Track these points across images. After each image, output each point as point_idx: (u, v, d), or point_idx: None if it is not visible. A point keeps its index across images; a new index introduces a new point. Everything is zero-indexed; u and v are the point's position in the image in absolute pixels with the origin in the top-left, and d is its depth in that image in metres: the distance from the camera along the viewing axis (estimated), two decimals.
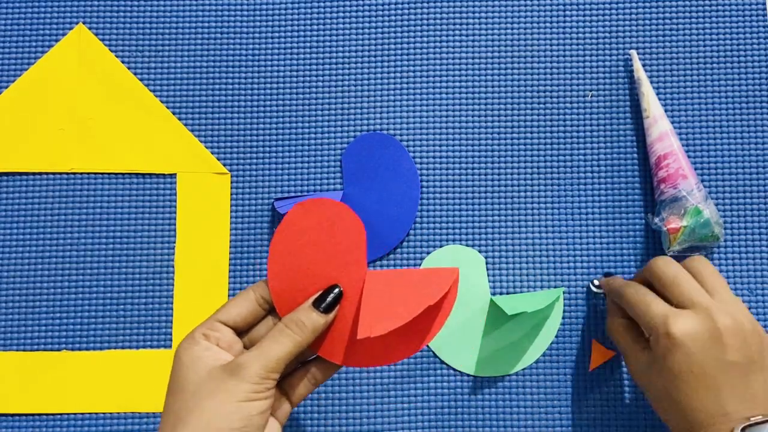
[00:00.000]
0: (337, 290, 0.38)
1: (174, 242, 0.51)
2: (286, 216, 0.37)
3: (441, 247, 0.51)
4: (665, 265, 0.42)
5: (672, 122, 0.52)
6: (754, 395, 0.38)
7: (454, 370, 0.49)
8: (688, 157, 0.51)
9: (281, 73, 0.52)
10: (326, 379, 0.39)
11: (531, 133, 0.52)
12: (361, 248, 0.38)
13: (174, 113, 0.52)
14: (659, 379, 0.40)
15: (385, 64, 0.52)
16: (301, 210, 0.37)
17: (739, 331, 0.38)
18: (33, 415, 0.49)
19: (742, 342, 0.38)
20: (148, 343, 0.50)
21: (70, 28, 0.52)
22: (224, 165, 0.51)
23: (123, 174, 0.51)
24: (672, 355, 0.39)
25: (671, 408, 0.39)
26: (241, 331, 0.38)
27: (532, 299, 0.48)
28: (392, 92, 0.52)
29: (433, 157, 0.52)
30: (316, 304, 0.37)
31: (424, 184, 0.51)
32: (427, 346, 0.49)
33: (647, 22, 0.53)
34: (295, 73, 0.52)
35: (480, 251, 0.51)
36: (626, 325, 0.44)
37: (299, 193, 0.51)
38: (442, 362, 0.49)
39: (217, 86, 0.52)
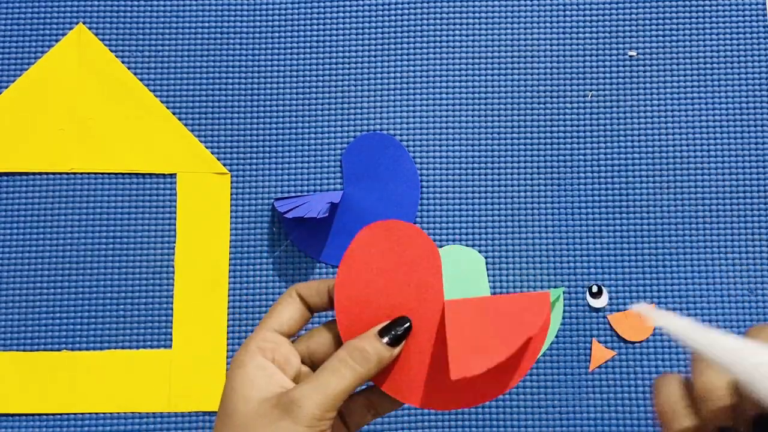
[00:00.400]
0: (407, 324, 0.33)
1: (174, 242, 0.51)
2: (353, 241, 0.33)
3: (441, 247, 0.51)
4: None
5: (672, 122, 0.52)
6: None
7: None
8: (688, 157, 0.51)
9: (281, 73, 0.52)
10: (387, 413, 0.35)
11: (531, 133, 0.52)
12: (437, 275, 0.34)
13: (174, 113, 0.52)
14: None
15: (385, 64, 0.52)
16: (369, 234, 0.34)
17: None
18: (33, 415, 0.49)
19: None
20: (148, 343, 0.50)
21: (70, 28, 0.52)
22: (224, 165, 0.51)
23: (123, 174, 0.51)
24: None
25: None
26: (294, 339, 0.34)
27: None
28: (392, 92, 0.52)
29: (433, 157, 0.52)
30: (383, 333, 0.33)
31: (424, 184, 0.51)
32: None
33: (647, 22, 0.53)
34: (295, 73, 0.52)
35: (480, 251, 0.51)
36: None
37: (299, 193, 0.51)
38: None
39: (217, 86, 0.52)
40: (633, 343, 0.50)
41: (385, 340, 0.32)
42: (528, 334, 0.32)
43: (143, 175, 0.51)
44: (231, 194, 0.51)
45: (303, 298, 0.34)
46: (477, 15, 0.53)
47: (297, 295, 0.34)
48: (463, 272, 0.50)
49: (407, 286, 0.34)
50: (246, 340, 0.33)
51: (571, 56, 0.53)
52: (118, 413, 0.49)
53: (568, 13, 0.53)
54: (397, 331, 0.33)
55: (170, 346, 0.50)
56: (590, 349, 0.50)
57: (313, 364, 0.34)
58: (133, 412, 0.49)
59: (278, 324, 0.33)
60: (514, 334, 0.32)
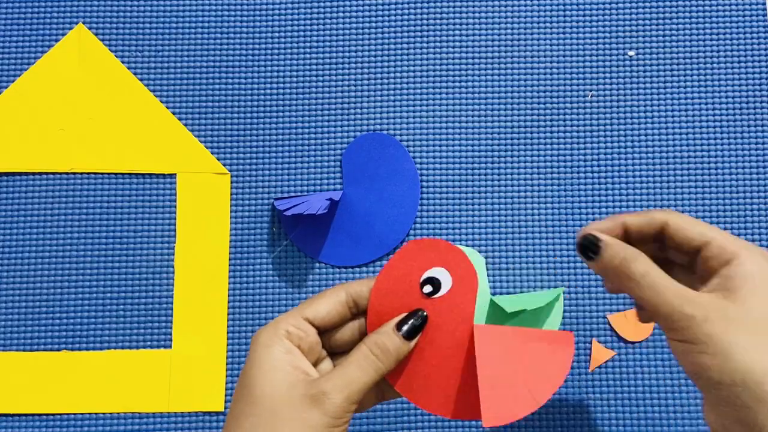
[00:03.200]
0: (422, 313, 0.35)
1: (174, 242, 0.51)
2: (399, 251, 0.35)
3: None
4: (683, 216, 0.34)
5: (672, 122, 0.52)
6: None
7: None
8: (688, 157, 0.51)
9: (281, 73, 0.52)
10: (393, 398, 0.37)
11: (531, 133, 0.52)
12: (471, 297, 0.36)
13: (174, 113, 0.52)
14: (759, 332, 0.30)
15: (385, 64, 0.52)
16: (414, 248, 0.35)
17: None
18: (33, 415, 0.49)
19: None
20: (148, 343, 0.50)
21: (70, 28, 0.52)
22: (224, 165, 0.51)
23: (123, 174, 0.51)
24: None
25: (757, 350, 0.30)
26: (322, 331, 0.35)
27: (532, 299, 0.48)
28: (392, 92, 0.52)
29: (433, 157, 0.52)
30: (400, 326, 0.34)
31: (424, 184, 0.51)
32: None
33: (647, 22, 0.53)
34: (295, 73, 0.52)
35: (480, 251, 0.51)
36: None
37: (299, 193, 0.51)
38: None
39: (217, 86, 0.52)
40: (633, 343, 0.50)
41: (403, 330, 0.34)
42: (555, 386, 0.34)
43: (143, 175, 0.51)
44: (231, 194, 0.51)
45: (352, 298, 0.35)
46: (477, 15, 0.53)
47: (345, 294, 0.35)
48: None
49: (441, 302, 0.36)
50: (275, 320, 0.33)
51: (571, 56, 0.53)
52: (118, 413, 0.49)
53: (568, 13, 0.53)
54: (414, 323, 0.34)
55: (170, 346, 0.50)
56: (590, 349, 0.50)
57: (331, 348, 0.35)
58: (133, 412, 0.49)
59: (313, 314, 0.34)
60: (543, 384, 0.34)
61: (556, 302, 0.50)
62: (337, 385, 0.32)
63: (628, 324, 0.50)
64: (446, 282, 0.36)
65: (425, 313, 0.35)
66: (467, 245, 0.51)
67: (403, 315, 0.35)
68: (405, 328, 0.34)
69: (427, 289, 0.36)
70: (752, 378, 0.29)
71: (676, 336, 0.31)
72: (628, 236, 0.35)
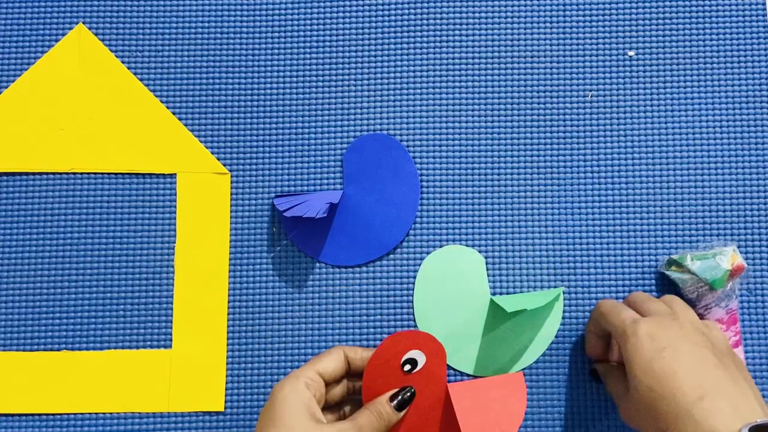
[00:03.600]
0: (410, 389, 0.45)
1: (174, 242, 0.51)
2: (383, 343, 0.45)
3: (441, 247, 0.51)
4: (640, 293, 0.47)
5: (672, 122, 0.52)
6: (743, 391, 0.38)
7: (454, 369, 0.49)
8: (687, 156, 0.51)
9: (281, 73, 0.52)
10: None
11: (531, 133, 0.52)
12: (442, 367, 0.46)
13: (174, 113, 0.52)
14: (644, 388, 0.39)
15: (385, 64, 0.52)
16: (393, 340, 0.45)
17: (700, 334, 0.41)
18: (33, 415, 0.49)
19: (711, 342, 0.41)
20: (148, 343, 0.50)
21: (70, 28, 0.52)
22: (224, 165, 0.51)
23: (123, 174, 0.51)
24: (642, 346, 0.40)
25: (665, 415, 0.38)
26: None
27: (532, 299, 0.48)
28: (392, 92, 0.52)
29: (434, 158, 0.52)
30: (392, 398, 0.44)
31: (424, 184, 0.51)
32: None
33: (647, 22, 0.53)
34: (295, 73, 0.52)
35: (480, 251, 0.51)
36: (620, 372, 0.44)
37: (299, 192, 0.51)
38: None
39: (217, 86, 0.52)
40: None
41: (395, 403, 0.43)
42: (518, 422, 0.46)
43: (143, 175, 0.51)
44: (231, 194, 0.51)
45: (347, 360, 0.45)
46: (477, 15, 0.53)
47: (343, 355, 0.44)
48: (463, 272, 0.50)
49: (418, 375, 0.45)
50: (294, 374, 0.42)
51: (571, 56, 0.53)
52: (118, 413, 0.49)
53: (568, 13, 0.53)
54: (404, 396, 0.44)
55: (170, 346, 0.50)
56: None
57: (326, 402, 0.45)
58: (133, 412, 0.49)
59: (322, 369, 0.43)
60: (509, 422, 0.46)
61: (556, 302, 0.50)
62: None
63: None
64: (421, 359, 0.45)
65: (413, 389, 0.45)
66: (467, 245, 0.51)
67: (395, 390, 0.44)
68: (396, 401, 0.44)
69: (407, 367, 0.45)
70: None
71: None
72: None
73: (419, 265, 0.51)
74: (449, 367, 0.49)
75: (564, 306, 0.50)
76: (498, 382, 0.47)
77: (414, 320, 0.50)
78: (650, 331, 0.40)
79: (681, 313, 0.42)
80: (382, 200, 0.51)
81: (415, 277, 0.50)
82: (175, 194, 0.51)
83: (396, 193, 0.51)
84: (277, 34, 0.53)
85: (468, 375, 0.49)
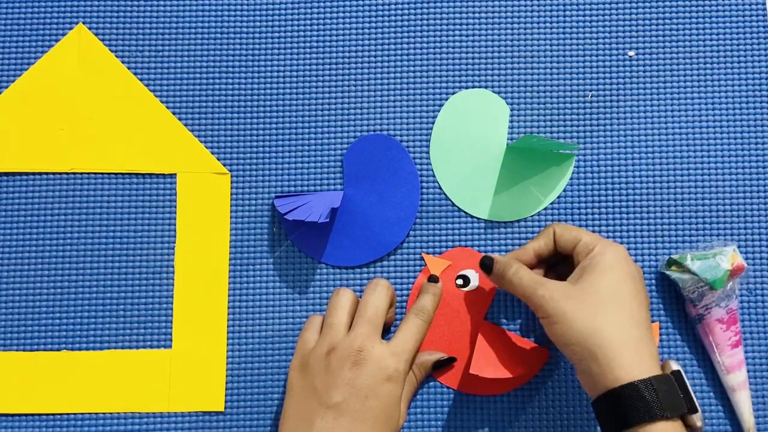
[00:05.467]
0: (436, 277, 0.50)
1: (174, 242, 0.51)
2: (445, 254, 0.50)
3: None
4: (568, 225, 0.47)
5: (672, 122, 0.52)
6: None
7: (467, 213, 0.51)
8: (687, 156, 0.51)
9: (281, 73, 0.52)
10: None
11: (531, 133, 0.52)
12: (488, 301, 0.50)
13: (174, 113, 0.52)
14: (605, 287, 0.41)
15: (385, 64, 0.52)
16: (460, 252, 0.50)
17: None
18: (33, 415, 0.49)
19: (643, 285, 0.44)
20: (148, 343, 0.50)
21: (70, 28, 0.52)
22: (224, 165, 0.51)
23: (123, 174, 0.51)
24: (618, 263, 0.42)
25: (612, 320, 0.40)
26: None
27: (547, 145, 0.50)
28: (392, 93, 0.52)
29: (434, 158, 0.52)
30: (431, 279, 0.49)
31: (424, 185, 0.51)
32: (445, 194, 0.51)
33: (647, 22, 0.53)
34: (295, 73, 0.52)
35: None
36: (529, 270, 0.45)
37: (299, 192, 0.51)
38: (456, 207, 0.51)
39: (217, 86, 0.52)
40: None
41: (431, 277, 0.49)
42: (528, 374, 0.49)
43: (143, 175, 0.51)
44: (231, 194, 0.51)
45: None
46: (477, 15, 0.53)
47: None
48: (485, 117, 0.51)
49: (466, 294, 0.50)
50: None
51: (571, 56, 0.53)
52: (118, 413, 0.49)
53: (568, 13, 0.53)
54: (433, 277, 0.49)
55: (170, 346, 0.50)
56: None
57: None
58: (133, 412, 0.49)
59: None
60: (518, 367, 0.46)
61: (568, 164, 0.51)
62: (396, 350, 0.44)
63: None
64: (474, 282, 0.50)
65: (436, 276, 0.50)
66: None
67: (444, 357, 0.48)
68: (436, 359, 0.48)
69: (459, 281, 0.50)
70: (583, 337, 0.40)
71: (539, 313, 0.43)
72: (542, 258, 0.47)
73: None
74: (467, 214, 0.51)
75: None
76: (525, 344, 0.48)
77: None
78: (622, 254, 0.43)
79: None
80: (382, 201, 0.51)
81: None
82: (175, 194, 0.51)
83: (396, 193, 0.51)
84: (277, 34, 0.53)
85: (481, 220, 0.49)
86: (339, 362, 0.42)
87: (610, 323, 0.40)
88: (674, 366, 0.44)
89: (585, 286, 0.42)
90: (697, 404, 0.41)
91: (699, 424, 0.41)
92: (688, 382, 0.42)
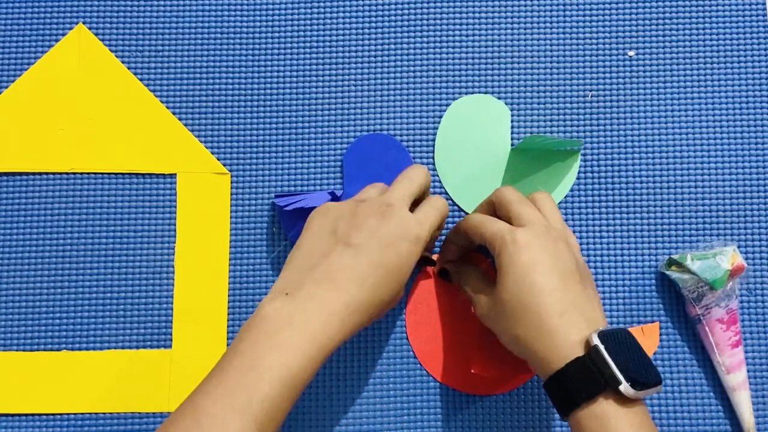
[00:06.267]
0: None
1: (174, 242, 0.51)
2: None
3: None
4: (510, 191, 0.45)
5: (672, 122, 0.52)
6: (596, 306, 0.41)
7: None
8: (687, 156, 0.51)
9: (281, 73, 0.52)
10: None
11: (531, 133, 0.52)
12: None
13: (174, 113, 0.52)
14: (512, 296, 0.41)
15: (385, 64, 0.52)
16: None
17: (568, 249, 0.42)
18: (33, 415, 0.49)
19: (574, 256, 0.43)
20: (148, 343, 0.50)
21: (70, 28, 0.52)
22: (224, 165, 0.51)
23: (123, 174, 0.51)
24: (518, 257, 0.41)
25: (528, 326, 0.40)
26: None
27: (551, 144, 0.50)
28: (392, 92, 0.52)
29: (433, 158, 0.52)
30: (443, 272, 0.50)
31: None
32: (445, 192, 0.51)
33: (647, 22, 0.53)
34: (295, 73, 0.52)
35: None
36: (477, 272, 0.47)
37: (300, 191, 0.51)
38: (462, 210, 0.51)
39: (217, 86, 0.52)
40: None
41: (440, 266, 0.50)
42: (525, 375, 0.49)
43: (143, 175, 0.51)
44: (231, 194, 0.51)
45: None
46: (477, 15, 0.53)
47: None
48: (488, 121, 0.51)
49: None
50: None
51: (571, 56, 0.53)
52: (118, 413, 0.49)
53: (568, 13, 0.53)
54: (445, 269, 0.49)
55: (170, 346, 0.50)
56: None
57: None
58: (133, 412, 0.49)
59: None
60: (518, 369, 0.47)
61: (573, 162, 0.51)
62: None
63: (643, 337, 0.50)
64: None
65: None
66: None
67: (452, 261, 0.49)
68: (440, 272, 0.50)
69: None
70: (512, 346, 0.42)
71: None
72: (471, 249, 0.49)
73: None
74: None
75: None
76: None
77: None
78: (527, 241, 0.41)
79: (552, 220, 0.44)
80: None
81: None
82: (175, 194, 0.51)
83: None
84: (277, 34, 0.53)
85: None
86: (367, 210, 0.42)
87: (528, 328, 0.40)
88: (594, 340, 0.38)
89: (500, 294, 0.41)
90: (619, 376, 0.37)
91: (630, 392, 0.37)
92: (606, 355, 0.37)
